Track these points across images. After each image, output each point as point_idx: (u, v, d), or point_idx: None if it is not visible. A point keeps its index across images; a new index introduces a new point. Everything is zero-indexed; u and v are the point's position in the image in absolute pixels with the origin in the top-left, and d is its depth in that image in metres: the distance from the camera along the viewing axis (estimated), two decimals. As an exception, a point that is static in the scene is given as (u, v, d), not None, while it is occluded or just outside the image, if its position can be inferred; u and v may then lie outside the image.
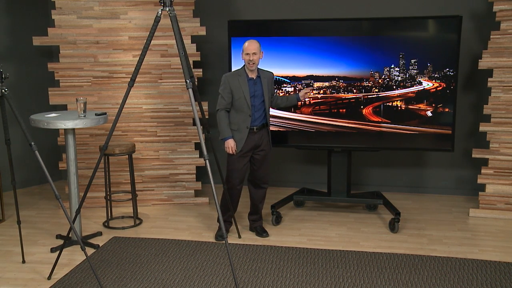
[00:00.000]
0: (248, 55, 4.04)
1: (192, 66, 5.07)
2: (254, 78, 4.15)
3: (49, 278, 3.65)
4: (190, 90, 3.38)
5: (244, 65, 4.15)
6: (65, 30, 4.97)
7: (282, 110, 4.75)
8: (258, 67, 4.17)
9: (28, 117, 4.19)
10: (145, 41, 4.95)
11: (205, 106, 4.98)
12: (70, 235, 3.94)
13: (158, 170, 5.24)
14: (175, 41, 4.92)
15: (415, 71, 4.52)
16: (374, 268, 3.78)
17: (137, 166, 5.15)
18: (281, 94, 4.72)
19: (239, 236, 4.39)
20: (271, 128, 4.45)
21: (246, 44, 4.06)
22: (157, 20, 3.48)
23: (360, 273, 3.70)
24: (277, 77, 4.75)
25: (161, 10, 3.50)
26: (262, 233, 4.42)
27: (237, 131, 4.12)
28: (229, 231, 4.44)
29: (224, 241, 3.57)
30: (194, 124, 5.20)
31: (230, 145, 4.09)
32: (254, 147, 4.20)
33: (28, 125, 3.72)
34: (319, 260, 3.91)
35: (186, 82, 3.40)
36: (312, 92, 4.57)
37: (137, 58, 4.98)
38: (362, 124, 4.69)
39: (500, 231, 4.51)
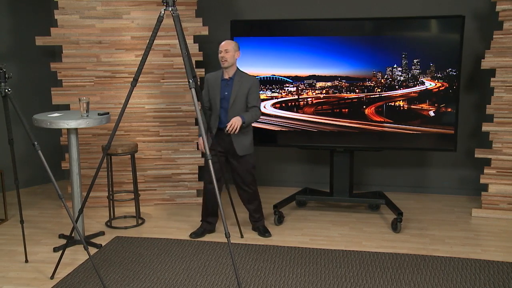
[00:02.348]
0: (220, 52, 4.09)
1: (194, 66, 5.09)
2: (228, 79, 4.14)
3: (52, 277, 3.66)
4: (193, 90, 3.39)
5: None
6: (67, 30, 4.98)
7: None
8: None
9: (31, 117, 4.20)
10: (147, 41, 5.00)
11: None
12: (73, 235, 3.94)
13: (161, 170, 5.24)
14: (177, 41, 4.97)
15: (418, 71, 4.51)
16: (376, 268, 3.78)
17: (140, 166, 5.15)
18: (283, 94, 4.73)
19: (241, 236, 4.39)
20: (274, 128, 4.45)
21: (222, 43, 4.14)
22: (159, 20, 3.48)
23: (363, 273, 3.70)
24: (279, 77, 4.75)
25: (164, 10, 3.50)
26: (264, 233, 4.42)
27: (211, 131, 4.17)
28: (214, 231, 4.49)
29: (227, 241, 3.57)
30: (197, 124, 5.21)
31: (199, 143, 4.26)
32: (226, 150, 4.23)
33: (31, 125, 3.72)
34: (322, 260, 3.91)
35: (189, 82, 3.40)
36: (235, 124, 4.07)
37: (140, 58, 5.00)
38: (365, 124, 4.69)
39: (502, 231, 4.51)
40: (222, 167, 4.27)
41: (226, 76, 4.16)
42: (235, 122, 3.99)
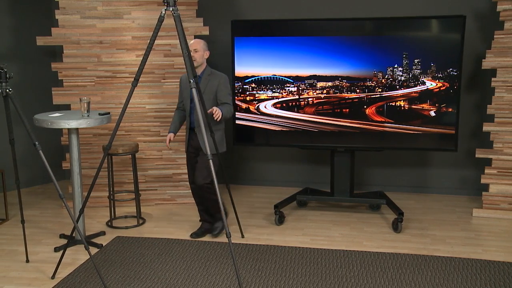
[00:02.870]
0: (191, 51, 4.04)
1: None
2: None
3: (53, 277, 3.66)
4: (194, 89, 3.39)
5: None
6: (68, 30, 4.98)
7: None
8: (213, 69, 4.23)
9: (32, 117, 4.20)
10: (148, 41, 5.00)
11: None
12: (74, 235, 3.95)
13: (161, 170, 5.24)
14: (176, 40, 4.97)
15: (419, 71, 4.51)
16: (377, 268, 3.78)
17: (140, 165, 5.16)
18: (284, 94, 4.73)
19: (242, 236, 4.39)
20: (274, 128, 4.44)
21: (192, 43, 4.13)
22: (160, 19, 3.48)
23: (363, 273, 3.70)
24: (280, 77, 4.75)
25: (165, 10, 3.50)
26: (212, 230, 4.41)
27: (186, 131, 4.29)
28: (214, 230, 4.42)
29: (227, 240, 3.58)
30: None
31: (167, 137, 4.32)
32: (196, 148, 4.24)
33: (32, 125, 3.73)
34: (322, 260, 3.91)
35: (190, 81, 3.41)
36: (218, 112, 4.01)
37: (141, 58, 5.00)
38: (366, 124, 4.69)
39: (503, 231, 4.51)
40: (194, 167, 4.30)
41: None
42: (217, 109, 3.99)
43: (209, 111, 4.00)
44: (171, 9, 3.45)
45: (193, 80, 3.41)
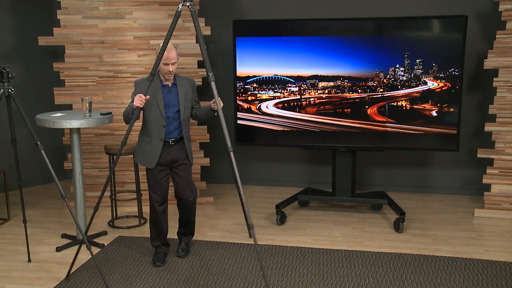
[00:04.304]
0: (168, 66, 3.60)
1: (197, 66, 5.10)
2: (170, 85, 3.72)
3: (67, 276, 3.63)
4: (213, 83, 3.28)
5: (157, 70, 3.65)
6: (70, 30, 4.99)
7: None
8: (176, 73, 3.79)
9: (33, 117, 4.20)
10: (149, 41, 5.01)
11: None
12: (78, 234, 3.94)
13: (163, 170, 5.24)
14: (179, 40, 4.98)
15: (420, 70, 4.51)
16: (379, 268, 3.78)
17: (142, 165, 5.15)
18: (286, 94, 4.73)
19: (250, 236, 4.38)
20: (276, 128, 4.44)
21: (164, 52, 3.48)
22: (177, 15, 3.40)
23: (365, 273, 3.69)
24: (282, 77, 4.75)
25: (182, 5, 3.44)
26: (180, 251, 4.01)
27: (149, 144, 3.74)
28: (168, 254, 4.04)
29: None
30: (199, 124, 5.21)
31: (141, 97, 3.45)
32: (171, 161, 3.80)
33: (33, 125, 3.73)
34: (324, 260, 3.91)
35: (208, 75, 3.26)
36: (221, 102, 3.51)
37: (142, 58, 5.03)
38: (367, 124, 4.69)
39: (505, 231, 4.50)
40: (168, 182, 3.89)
41: (167, 82, 3.71)
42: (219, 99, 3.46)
43: (213, 106, 3.67)
44: (188, 3, 3.40)
45: (211, 74, 3.26)
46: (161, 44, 3.44)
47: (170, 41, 3.43)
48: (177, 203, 4.00)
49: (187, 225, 4.08)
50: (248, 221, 3.20)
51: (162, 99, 3.68)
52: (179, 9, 3.38)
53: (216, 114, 3.66)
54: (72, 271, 3.75)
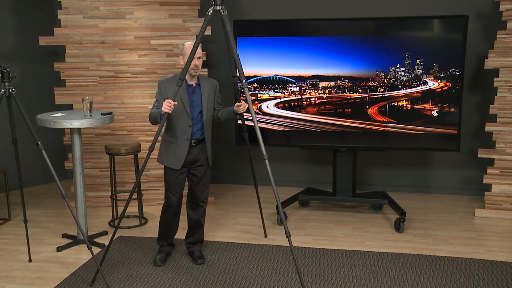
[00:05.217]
0: (194, 60, 3.50)
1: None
2: (194, 85, 3.66)
3: (92, 283, 3.56)
4: (246, 89, 3.31)
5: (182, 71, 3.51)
6: (71, 30, 4.99)
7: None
8: (200, 74, 3.74)
9: (34, 117, 4.21)
10: (150, 41, 5.01)
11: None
12: (80, 235, 3.95)
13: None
14: (180, 40, 4.98)
15: (421, 70, 4.51)
16: (379, 268, 3.78)
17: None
18: (286, 94, 4.73)
19: (265, 236, 4.38)
20: (276, 127, 4.44)
21: (189, 46, 3.54)
22: (207, 18, 3.40)
23: (366, 273, 3.69)
24: (282, 77, 4.75)
25: (212, 8, 3.40)
26: (197, 259, 3.89)
27: (175, 144, 3.66)
28: (171, 254, 4.02)
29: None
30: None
31: (170, 103, 3.39)
32: (191, 162, 3.71)
33: (34, 125, 3.73)
34: (324, 260, 3.91)
35: (241, 81, 3.31)
36: (246, 106, 3.64)
37: (143, 58, 5.04)
38: (368, 124, 4.69)
39: (506, 231, 4.50)
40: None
41: (192, 82, 3.66)
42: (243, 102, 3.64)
43: (237, 109, 3.66)
44: (218, 7, 3.39)
45: (245, 80, 3.32)
46: (185, 43, 3.54)
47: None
48: (188, 204, 3.90)
49: (197, 229, 3.94)
50: (286, 230, 3.21)
51: (188, 99, 3.62)
52: (210, 13, 3.37)
53: (238, 117, 3.81)
54: (73, 271, 3.76)
